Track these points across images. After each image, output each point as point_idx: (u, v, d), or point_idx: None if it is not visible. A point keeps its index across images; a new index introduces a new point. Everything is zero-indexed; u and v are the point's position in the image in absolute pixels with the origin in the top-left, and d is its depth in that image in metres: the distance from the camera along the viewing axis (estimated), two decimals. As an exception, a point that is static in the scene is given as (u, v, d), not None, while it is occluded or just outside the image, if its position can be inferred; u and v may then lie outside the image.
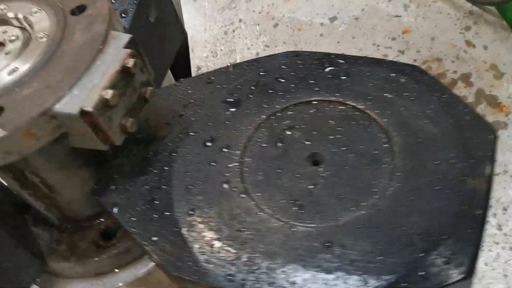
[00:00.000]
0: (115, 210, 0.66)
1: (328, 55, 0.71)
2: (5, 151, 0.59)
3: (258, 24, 1.59)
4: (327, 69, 0.69)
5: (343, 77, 0.68)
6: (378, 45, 1.49)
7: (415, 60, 1.44)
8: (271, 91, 0.70)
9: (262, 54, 1.66)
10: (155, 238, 0.60)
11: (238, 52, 1.66)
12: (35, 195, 0.78)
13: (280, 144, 0.64)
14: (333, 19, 1.50)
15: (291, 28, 1.60)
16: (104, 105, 0.59)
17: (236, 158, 0.64)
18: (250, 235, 0.57)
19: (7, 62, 0.65)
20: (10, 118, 0.58)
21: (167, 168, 0.66)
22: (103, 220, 0.85)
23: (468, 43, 1.36)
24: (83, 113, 0.58)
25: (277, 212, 0.58)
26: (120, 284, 0.84)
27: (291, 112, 0.67)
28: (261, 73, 0.72)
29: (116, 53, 0.63)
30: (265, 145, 0.65)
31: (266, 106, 0.68)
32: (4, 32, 0.69)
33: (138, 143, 0.71)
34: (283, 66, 0.72)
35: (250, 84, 0.71)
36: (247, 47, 1.67)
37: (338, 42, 1.54)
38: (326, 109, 0.66)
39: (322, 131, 0.64)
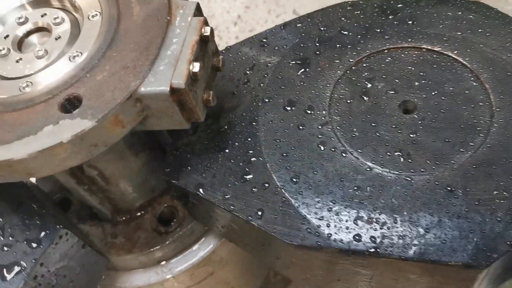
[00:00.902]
0: (201, 190, 0.62)
1: (386, 1, 0.69)
2: (91, 143, 0.53)
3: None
4: (391, 16, 0.68)
5: (410, 22, 0.67)
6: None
7: None
8: (338, 45, 0.67)
9: (244, 16, 1.61)
10: (260, 213, 0.57)
11: (217, 16, 1.59)
12: (90, 189, 0.73)
13: (365, 98, 0.63)
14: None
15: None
16: (192, 79, 0.55)
17: (324, 118, 0.62)
18: (366, 192, 0.55)
19: (62, 47, 0.59)
20: (94, 107, 0.53)
21: (250, 139, 0.63)
22: (156, 207, 0.81)
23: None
24: (173, 90, 0.54)
25: (386, 166, 0.57)
26: (185, 268, 0.81)
27: (366, 64, 0.65)
28: (321, 28, 0.69)
29: (187, 23, 0.58)
30: (350, 101, 0.63)
31: (338, 61, 0.66)
32: (44, 15, 0.62)
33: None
34: (342, 18, 0.69)
35: (312, 41, 0.68)
36: (226, 11, 1.61)
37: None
38: (402, 56, 0.65)
39: (405, 78, 0.63)
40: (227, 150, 0.63)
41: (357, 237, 0.53)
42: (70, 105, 0.54)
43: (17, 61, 0.59)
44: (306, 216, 0.55)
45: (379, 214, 0.54)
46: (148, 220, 0.80)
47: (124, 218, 0.80)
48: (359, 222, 0.54)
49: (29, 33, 0.62)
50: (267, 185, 0.59)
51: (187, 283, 0.83)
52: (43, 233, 0.63)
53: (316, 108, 0.62)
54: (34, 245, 0.62)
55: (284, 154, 0.60)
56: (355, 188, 0.56)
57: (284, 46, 0.69)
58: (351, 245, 0.53)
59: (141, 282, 0.80)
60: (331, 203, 0.55)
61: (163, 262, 0.80)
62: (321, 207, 0.55)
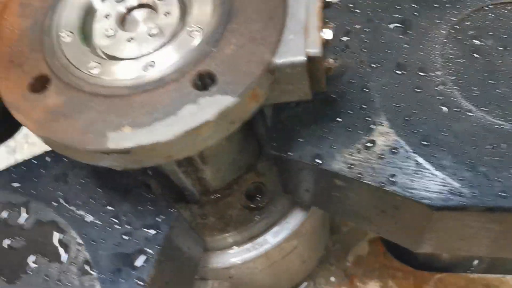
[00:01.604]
0: (319, 161, 0.61)
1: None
2: (231, 120, 0.52)
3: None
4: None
5: (507, -24, 0.66)
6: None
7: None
8: (436, 5, 0.66)
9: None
10: (393, 178, 0.57)
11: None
12: (186, 171, 0.71)
13: (476, 56, 0.62)
14: None
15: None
16: (325, 47, 0.53)
17: (440, 79, 0.61)
18: (502, 149, 0.55)
19: (174, 23, 0.56)
20: (231, 82, 0.50)
21: (365, 106, 0.61)
22: (242, 184, 0.80)
23: None
24: (309, 59, 0.52)
25: (516, 122, 0.57)
26: (277, 243, 0.80)
27: (469, 22, 0.65)
28: (409, 3, 0.68)
29: (306, -11, 0.56)
30: (461, 60, 0.62)
31: (439, 21, 0.65)
32: (142, -9, 0.59)
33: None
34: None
35: (408, 2, 0.67)
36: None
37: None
38: (504, 11, 0.64)
39: (513, 34, 0.62)
40: (340, 119, 0.62)
41: (502, 194, 0.53)
42: (203, 82, 0.52)
43: (128, 41, 0.56)
44: (445, 177, 0.55)
45: (520, 171, 0.54)
46: (236, 197, 0.79)
47: (212, 197, 0.79)
48: (501, 178, 0.54)
49: (129, 10, 0.59)
50: (395, 150, 0.58)
51: (275, 257, 0.83)
52: (159, 218, 0.62)
53: (429, 70, 0.62)
54: (153, 231, 0.60)
55: (407, 118, 0.59)
56: (489, 146, 0.56)
57: (377, 10, 0.68)
58: (498, 202, 0.53)
59: (234, 260, 0.79)
60: (469, 163, 0.55)
61: (257, 238, 0.79)
62: (459, 167, 0.55)
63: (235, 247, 0.79)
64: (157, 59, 0.53)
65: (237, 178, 0.79)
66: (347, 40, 0.67)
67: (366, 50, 0.65)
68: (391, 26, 0.66)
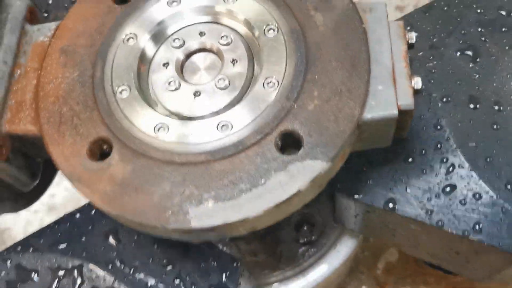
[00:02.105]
0: (394, 206, 0.58)
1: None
2: (320, 184, 0.47)
3: None
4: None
5: None
6: None
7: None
8: (504, 29, 0.62)
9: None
10: (478, 226, 0.54)
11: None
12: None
13: (555, 86, 0.59)
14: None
15: None
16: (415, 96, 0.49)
17: (519, 113, 0.58)
18: None
19: (244, 73, 0.51)
20: (320, 143, 0.46)
21: (441, 145, 0.58)
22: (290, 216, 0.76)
23: None
24: (401, 112, 0.48)
25: None
26: (328, 274, 0.77)
27: (541, 47, 0.61)
28: (477, 11, 0.64)
29: (385, 28, 0.51)
30: (539, 91, 0.59)
31: (509, 47, 0.61)
32: (202, 33, 0.53)
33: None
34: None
35: (473, 26, 0.63)
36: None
37: None
38: None
39: None
40: (411, 160, 0.59)
41: None
42: (286, 142, 0.47)
43: (195, 95, 0.50)
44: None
45: None
46: (285, 231, 0.75)
47: (259, 232, 0.75)
48: None
49: (188, 56, 0.53)
50: (479, 195, 0.55)
51: (323, 284, 0.80)
52: (224, 275, 0.58)
53: (506, 103, 0.58)
54: (222, 290, 0.56)
55: (488, 160, 0.56)
56: None
57: (442, 34, 0.63)
58: None
59: (285, 294, 0.76)
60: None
61: (309, 272, 0.75)
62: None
63: (285, 281, 0.75)
64: (232, 118, 0.48)
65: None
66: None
67: (433, 82, 0.61)
68: (458, 53, 0.62)
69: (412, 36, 0.51)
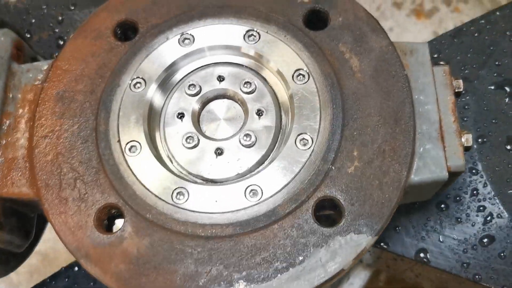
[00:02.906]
0: (427, 256, 0.53)
1: None
2: (360, 259, 0.42)
3: None
4: None
5: None
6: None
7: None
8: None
9: None
10: None
11: None
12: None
13: None
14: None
15: None
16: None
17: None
18: None
19: (272, 127, 0.45)
20: (363, 213, 0.41)
21: (477, 191, 0.53)
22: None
23: None
24: (451, 174, 0.43)
25: None
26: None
27: None
28: (511, 39, 0.59)
29: (429, 74, 0.46)
30: None
31: (546, 80, 0.57)
32: (221, 78, 0.47)
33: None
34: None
35: (508, 57, 0.58)
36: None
37: None
38: None
39: None
40: (445, 207, 0.54)
41: None
42: (323, 211, 0.42)
43: (217, 153, 0.44)
44: None
45: None
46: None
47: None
48: None
49: (204, 104, 0.47)
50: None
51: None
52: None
53: (544, 144, 0.54)
54: None
55: (527, 204, 0.52)
56: None
57: (474, 65, 0.58)
58: None
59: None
60: None
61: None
62: None
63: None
64: (262, 182, 0.42)
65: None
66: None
67: (467, 120, 0.56)
68: (493, 87, 0.57)
69: (460, 84, 0.45)
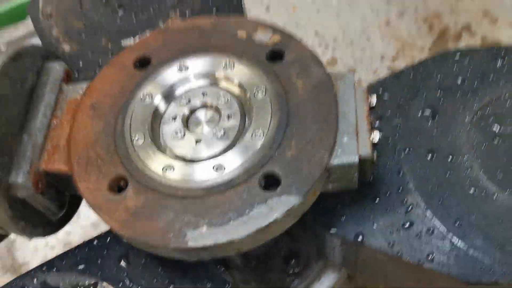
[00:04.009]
0: (362, 239, 0.68)
1: (495, 49, 0.77)
2: (294, 216, 0.58)
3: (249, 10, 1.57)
4: (501, 62, 0.75)
5: (518, 67, 0.75)
6: (377, 9, 1.57)
7: (416, 19, 1.54)
8: (459, 94, 0.74)
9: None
10: (430, 256, 0.64)
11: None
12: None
13: (498, 140, 0.70)
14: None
15: (285, 8, 1.61)
16: (373, 148, 0.61)
17: (467, 163, 0.69)
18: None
19: (236, 126, 0.63)
20: (294, 183, 0.57)
21: (401, 189, 0.69)
22: (279, 249, 0.87)
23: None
24: (360, 160, 0.59)
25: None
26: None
27: (489, 110, 0.73)
28: (438, 78, 0.76)
29: (352, 93, 0.63)
30: (485, 143, 0.70)
31: (463, 108, 0.73)
32: (204, 93, 0.66)
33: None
34: (455, 68, 0.76)
35: (433, 91, 0.75)
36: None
37: (338, 15, 1.58)
38: (519, 100, 0.73)
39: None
40: (377, 200, 0.69)
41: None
42: (268, 182, 0.59)
43: (197, 142, 0.63)
44: (478, 256, 0.62)
45: None
46: (274, 262, 0.85)
47: (252, 262, 0.85)
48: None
49: (192, 112, 0.66)
50: (432, 230, 0.65)
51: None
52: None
53: (457, 154, 0.70)
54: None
55: (441, 201, 0.67)
56: (515, 227, 0.63)
57: (407, 96, 0.76)
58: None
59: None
60: (498, 243, 0.63)
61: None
62: (489, 247, 0.63)
63: (275, 309, 0.85)
64: (225, 162, 0.60)
65: (275, 243, 0.86)
66: (380, 126, 0.74)
67: (398, 136, 0.73)
68: (420, 112, 0.74)
69: (373, 101, 0.63)
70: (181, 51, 0.69)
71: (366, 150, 0.59)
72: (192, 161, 0.62)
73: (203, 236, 0.56)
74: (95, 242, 0.73)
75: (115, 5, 0.88)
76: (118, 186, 0.61)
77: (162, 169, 0.61)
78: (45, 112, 0.66)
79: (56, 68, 0.70)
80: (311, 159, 0.59)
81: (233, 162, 0.60)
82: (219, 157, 0.61)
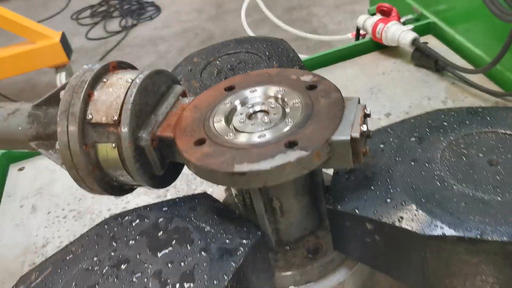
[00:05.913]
0: (356, 211, 0.96)
1: (470, 109, 1.08)
2: (303, 166, 0.91)
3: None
4: (473, 115, 1.06)
5: (488, 118, 1.05)
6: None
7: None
8: (441, 129, 1.06)
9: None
10: (400, 218, 0.91)
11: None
12: (269, 219, 1.08)
13: (462, 157, 0.99)
14: (388, 114, 1.91)
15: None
16: (361, 135, 0.93)
17: (438, 167, 0.97)
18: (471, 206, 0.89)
19: (279, 118, 1.00)
20: (306, 146, 0.91)
21: (389, 180, 0.98)
22: (306, 242, 1.14)
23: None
24: (351, 139, 0.92)
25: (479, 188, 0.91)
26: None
27: (462, 140, 1.02)
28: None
29: (355, 107, 0.98)
30: (453, 159, 0.99)
31: (442, 138, 1.04)
32: (262, 103, 1.05)
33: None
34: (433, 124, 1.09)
35: (423, 128, 1.07)
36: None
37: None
38: (485, 136, 1.02)
39: (489, 147, 0.99)
40: (372, 187, 0.99)
41: (468, 229, 0.85)
42: (291, 145, 0.93)
43: (251, 125, 1.00)
44: (433, 220, 0.88)
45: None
46: (300, 251, 1.13)
47: (284, 248, 1.14)
48: (470, 221, 0.86)
49: (253, 112, 1.05)
50: (404, 203, 0.93)
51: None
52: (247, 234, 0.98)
53: (432, 163, 0.99)
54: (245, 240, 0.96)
55: (414, 187, 0.95)
56: (463, 203, 0.89)
57: (404, 131, 1.08)
58: (466, 234, 0.85)
59: (294, 295, 1.10)
60: (450, 211, 0.88)
61: (309, 283, 1.10)
62: (443, 214, 0.88)
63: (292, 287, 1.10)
64: (266, 133, 0.96)
65: (302, 237, 1.14)
66: (383, 147, 1.07)
67: (393, 151, 1.04)
68: (412, 139, 1.05)
69: (368, 110, 0.97)
70: (254, 83, 1.11)
71: (355, 134, 0.92)
72: (246, 132, 0.99)
73: (243, 167, 0.90)
74: (176, 200, 1.09)
75: (222, 78, 1.35)
76: (200, 143, 0.99)
77: (227, 135, 0.98)
78: (167, 107, 1.09)
79: (178, 88, 1.14)
80: (319, 135, 0.93)
81: (271, 134, 0.96)
82: (264, 131, 0.97)
